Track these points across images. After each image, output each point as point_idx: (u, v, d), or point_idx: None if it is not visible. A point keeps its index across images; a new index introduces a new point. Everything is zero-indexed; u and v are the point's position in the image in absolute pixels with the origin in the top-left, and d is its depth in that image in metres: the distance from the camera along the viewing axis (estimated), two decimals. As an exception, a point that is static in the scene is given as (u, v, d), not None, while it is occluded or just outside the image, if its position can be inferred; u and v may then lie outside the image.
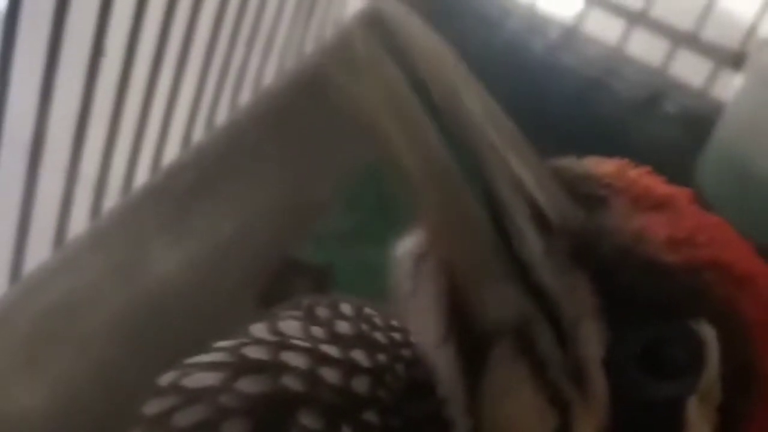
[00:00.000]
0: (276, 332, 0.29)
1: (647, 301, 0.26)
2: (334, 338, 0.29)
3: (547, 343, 0.26)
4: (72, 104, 0.59)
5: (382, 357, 0.28)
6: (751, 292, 0.26)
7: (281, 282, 0.80)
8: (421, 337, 0.28)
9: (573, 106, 0.94)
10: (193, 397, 0.28)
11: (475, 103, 0.26)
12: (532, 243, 0.26)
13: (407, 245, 0.28)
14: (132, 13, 0.60)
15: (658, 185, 0.28)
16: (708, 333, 0.26)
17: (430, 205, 0.26)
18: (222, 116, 0.78)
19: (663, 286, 0.26)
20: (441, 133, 0.26)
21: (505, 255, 0.26)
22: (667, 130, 0.94)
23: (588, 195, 0.27)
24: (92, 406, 0.56)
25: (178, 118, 0.72)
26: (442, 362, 0.27)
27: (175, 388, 0.28)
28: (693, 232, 0.26)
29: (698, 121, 0.92)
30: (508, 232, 0.26)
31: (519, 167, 0.26)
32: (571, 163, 0.28)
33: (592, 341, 0.26)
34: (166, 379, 0.29)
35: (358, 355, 0.28)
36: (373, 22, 0.26)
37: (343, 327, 0.29)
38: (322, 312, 0.30)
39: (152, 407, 0.28)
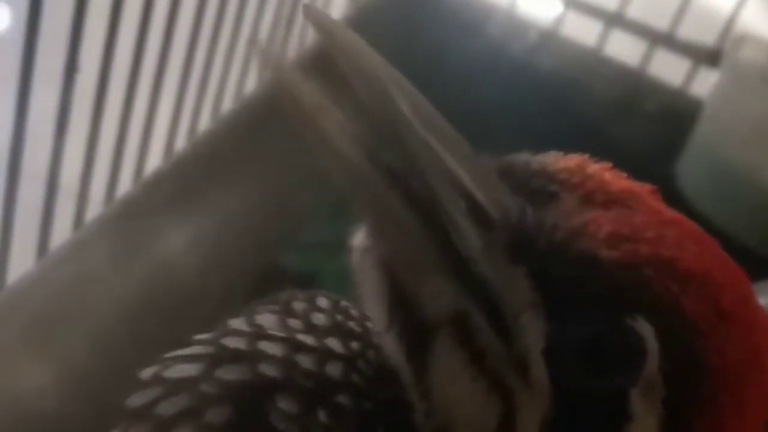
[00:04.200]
0: (253, 324, 0.30)
1: (582, 297, 0.26)
2: (310, 328, 0.30)
3: (486, 334, 0.26)
4: (49, 116, 0.58)
5: (355, 344, 0.29)
6: (697, 289, 0.26)
7: (265, 291, 0.80)
8: (374, 324, 0.29)
9: (553, 108, 0.95)
10: (176, 387, 0.28)
11: (407, 103, 0.26)
12: (468, 238, 0.26)
13: (358, 239, 0.29)
14: (108, 21, 0.59)
15: (617, 181, 0.28)
16: (645, 329, 0.26)
17: (360, 205, 0.27)
18: (204, 124, 0.77)
19: (597, 282, 0.26)
20: (373, 133, 0.26)
21: (442, 250, 0.26)
22: (647, 129, 0.95)
23: (538, 191, 0.27)
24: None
25: (160, 126, 0.71)
26: (391, 348, 0.28)
27: (157, 379, 0.29)
28: (639, 229, 0.26)
29: (677, 119, 0.93)
30: (446, 228, 0.26)
31: (454, 165, 0.26)
32: (527, 158, 0.28)
33: (531, 334, 0.26)
34: (147, 372, 0.29)
35: (333, 343, 0.29)
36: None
37: (318, 318, 0.30)
38: (298, 306, 0.31)
39: (136, 399, 0.29)
